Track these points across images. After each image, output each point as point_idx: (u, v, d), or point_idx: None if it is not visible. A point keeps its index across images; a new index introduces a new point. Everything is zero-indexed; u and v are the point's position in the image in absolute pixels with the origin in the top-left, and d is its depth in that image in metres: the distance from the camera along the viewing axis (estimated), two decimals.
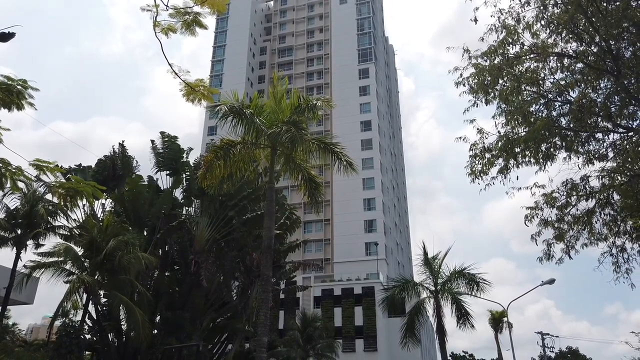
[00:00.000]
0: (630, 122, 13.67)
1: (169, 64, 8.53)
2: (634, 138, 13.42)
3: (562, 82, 14.21)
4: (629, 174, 14.18)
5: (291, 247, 33.25)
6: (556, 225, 15.65)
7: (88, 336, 26.23)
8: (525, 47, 13.76)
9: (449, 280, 24.82)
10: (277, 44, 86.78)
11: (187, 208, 30.56)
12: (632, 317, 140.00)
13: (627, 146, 14.23)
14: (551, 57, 13.83)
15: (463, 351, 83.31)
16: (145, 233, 27.86)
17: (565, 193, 15.24)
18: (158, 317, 27.05)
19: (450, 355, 73.40)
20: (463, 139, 14.98)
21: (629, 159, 13.95)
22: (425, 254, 25.48)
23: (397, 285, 25.80)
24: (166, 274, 29.01)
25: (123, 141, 31.09)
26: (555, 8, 13.22)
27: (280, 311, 52.89)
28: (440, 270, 25.20)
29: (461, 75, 14.36)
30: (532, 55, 13.80)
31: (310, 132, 20.01)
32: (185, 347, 24.65)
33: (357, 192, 65.78)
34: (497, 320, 34.51)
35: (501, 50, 13.71)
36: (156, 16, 7.91)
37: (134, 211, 27.38)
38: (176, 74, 9.06)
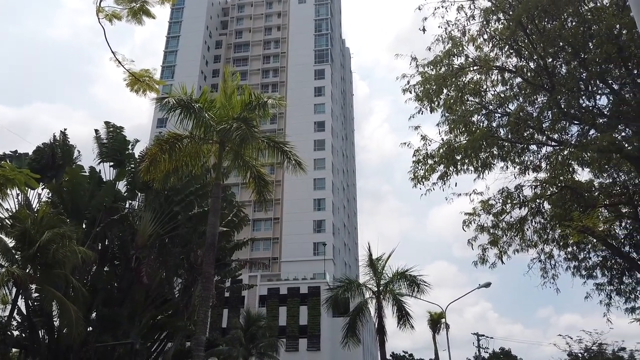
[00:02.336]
0: (562, 136, 14.54)
1: (112, 52, 8.24)
2: (564, 151, 14.29)
3: (502, 95, 14.92)
4: (559, 185, 15.05)
5: (238, 245, 32.88)
6: (491, 231, 16.40)
7: (16, 332, 24.88)
8: (469, 59, 14.34)
9: (391, 282, 25.36)
10: (234, 38, 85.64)
11: (130, 202, 29.54)
12: (561, 320, 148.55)
13: (558, 159, 15.12)
14: (493, 70, 14.49)
15: (403, 351, 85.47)
16: (84, 226, 26.70)
17: (500, 201, 16.00)
18: (94, 314, 26.04)
19: (391, 355, 75.08)
20: (407, 145, 15.43)
21: (560, 171, 14.83)
22: (370, 255, 25.89)
23: (341, 285, 26.11)
24: (105, 269, 27.93)
25: (65, 129, 29.64)
26: (498, 23, 13.86)
27: (225, 309, 52.26)
28: (384, 271, 25.69)
29: (408, 82, 14.80)
30: (475, 68, 14.40)
31: (263, 129, 19.93)
32: (121, 345, 23.85)
33: (308, 192, 66.03)
34: (436, 322, 35.63)
35: (446, 61, 14.22)
36: (100, 1, 7.65)
37: (72, 203, 26.19)
38: (119, 62, 8.78)
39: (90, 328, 25.23)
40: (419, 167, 15.24)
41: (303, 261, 61.17)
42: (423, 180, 15.05)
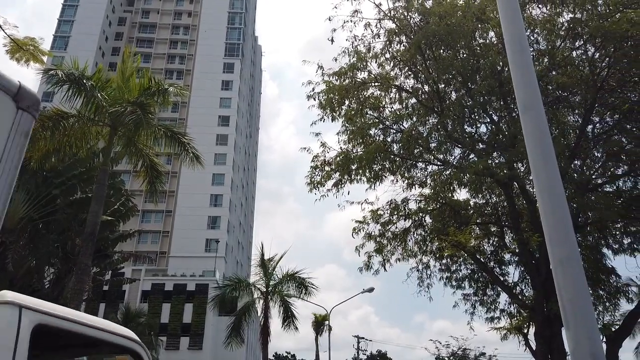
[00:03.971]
0: (446, 157, 15.78)
1: None
2: (447, 171, 15.53)
3: (398, 113, 15.83)
4: (440, 201, 16.29)
5: (123, 236, 30.95)
6: (377, 240, 17.25)
7: None
8: (371, 74, 15.04)
9: (280, 283, 25.57)
10: (140, 17, 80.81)
11: None
12: (434, 325, 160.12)
13: (442, 177, 16.38)
14: (392, 89, 15.34)
15: (286, 352, 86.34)
16: None
17: (388, 211, 16.91)
18: None
19: (274, 355, 75.51)
20: (307, 150, 15.75)
21: (442, 189, 16.07)
22: (262, 255, 25.88)
23: (230, 284, 25.79)
24: None
25: None
26: (400, 45, 14.71)
27: (102, 304, 48.87)
28: (274, 272, 25.83)
29: (313, 89, 15.13)
30: (376, 84, 15.14)
31: (162, 117, 19.06)
32: None
33: (205, 187, 64.26)
34: (320, 323, 36.60)
35: (351, 74, 14.77)
36: None
37: None
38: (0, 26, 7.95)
39: None
40: (316, 173, 15.62)
41: (193, 257, 59.28)
42: (319, 185, 15.45)
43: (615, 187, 15.28)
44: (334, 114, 15.28)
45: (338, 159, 15.30)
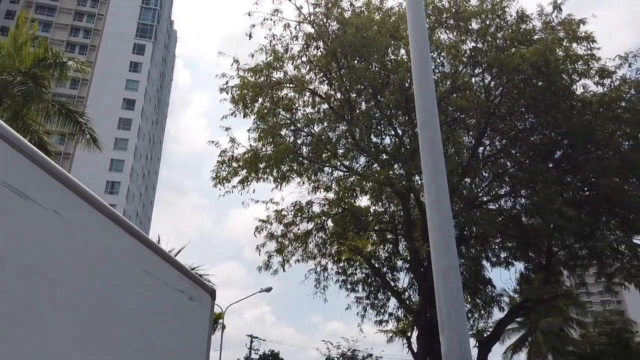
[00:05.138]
0: (352, 164, 16.31)
1: None
2: (351, 178, 16.05)
3: (310, 117, 16.05)
4: (342, 206, 16.75)
5: None
6: (279, 240, 17.31)
7: None
8: (287, 75, 15.09)
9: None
10: None
11: None
12: (328, 326, 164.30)
13: (346, 183, 16.88)
14: (306, 92, 15.52)
15: None
16: None
17: (292, 213, 17.05)
18: None
19: None
20: (216, 144, 15.39)
21: (345, 195, 16.55)
22: None
23: None
24: None
25: None
26: (317, 50, 14.95)
27: None
28: None
29: (227, 83, 14.82)
30: (291, 85, 15.22)
31: (58, 93, 17.51)
32: None
33: (102, 172, 60.13)
34: (214, 322, 35.98)
35: (266, 72, 14.70)
36: None
37: None
38: None
39: None
40: (223, 168, 15.32)
41: None
42: (224, 181, 15.15)
43: (497, 206, 16.81)
44: (246, 110, 15.11)
45: (246, 156, 15.13)
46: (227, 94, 15.00)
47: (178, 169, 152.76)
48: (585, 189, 15.43)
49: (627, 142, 14.12)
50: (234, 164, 15.56)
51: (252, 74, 14.77)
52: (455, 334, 3.03)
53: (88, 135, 17.65)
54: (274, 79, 14.96)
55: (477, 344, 16.29)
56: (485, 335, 16.56)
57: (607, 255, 15.92)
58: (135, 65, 69.88)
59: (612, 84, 14.08)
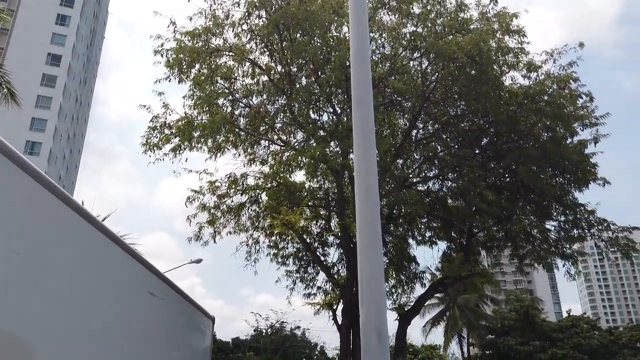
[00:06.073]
0: (289, 139, 16.26)
1: None
2: (288, 153, 16.02)
3: (249, 88, 15.74)
4: (277, 181, 16.73)
5: None
6: (212, 211, 17.06)
7: None
8: (226, 43, 14.63)
9: None
10: None
11: None
12: (258, 299, 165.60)
13: (283, 158, 16.85)
14: (246, 62, 15.15)
15: None
16: None
17: (227, 184, 16.81)
18: None
19: None
20: (147, 109, 14.72)
21: (281, 169, 16.53)
22: None
23: None
24: None
25: None
26: (259, 20, 14.59)
27: None
28: None
29: (162, 45, 14.14)
30: (230, 54, 14.78)
31: None
32: None
33: (21, 132, 55.82)
34: None
35: (205, 37, 14.17)
36: None
37: None
38: None
39: None
40: (154, 135, 14.73)
41: None
42: (155, 148, 14.60)
43: (426, 187, 17.52)
44: (182, 76, 14.53)
45: (180, 123, 14.62)
46: (162, 57, 14.33)
47: (107, 133, 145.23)
48: (506, 175, 16.42)
49: (546, 134, 15.12)
50: (167, 131, 15.01)
51: (189, 38, 14.17)
52: (374, 307, 3.15)
53: (5, 89, 16.30)
54: (212, 45, 14.45)
55: (398, 317, 17.12)
56: (406, 309, 17.42)
57: (521, 238, 17.17)
58: (63, 19, 64.78)
59: (538, 78, 14.94)
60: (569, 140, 15.23)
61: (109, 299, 4.04)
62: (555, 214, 16.47)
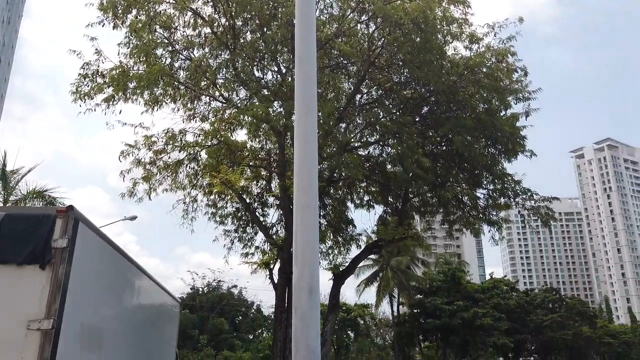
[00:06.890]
0: (231, 96, 15.81)
1: None
2: (229, 110, 15.60)
3: (190, 39, 15.02)
4: (218, 139, 16.33)
5: None
6: (147, 167, 16.48)
7: None
8: None
9: (24, 200, 22.36)
10: None
11: None
12: (194, 257, 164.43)
13: (224, 116, 16.39)
14: (187, 12, 14.38)
15: None
16: None
17: (164, 140, 16.22)
18: None
19: None
20: (78, 55, 13.71)
21: (222, 127, 16.11)
22: (4, 165, 22.11)
23: None
24: None
25: None
26: None
27: None
28: (18, 187, 22.45)
29: None
30: (171, 1, 13.96)
31: None
32: None
33: None
34: None
35: None
36: None
37: None
38: None
39: None
40: (85, 83, 13.80)
41: None
42: (86, 97, 13.71)
43: (367, 152, 17.80)
44: (117, 21, 13.57)
45: (114, 72, 13.76)
46: None
47: (34, 79, 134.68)
48: (443, 143, 16.98)
49: (482, 105, 15.68)
50: (99, 80, 14.10)
51: None
52: (307, 267, 3.19)
53: None
54: None
55: (333, 277, 17.63)
56: (341, 269, 17.95)
57: (453, 204, 18.01)
58: None
59: (479, 50, 15.33)
60: (503, 112, 15.88)
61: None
62: (485, 182, 17.34)
